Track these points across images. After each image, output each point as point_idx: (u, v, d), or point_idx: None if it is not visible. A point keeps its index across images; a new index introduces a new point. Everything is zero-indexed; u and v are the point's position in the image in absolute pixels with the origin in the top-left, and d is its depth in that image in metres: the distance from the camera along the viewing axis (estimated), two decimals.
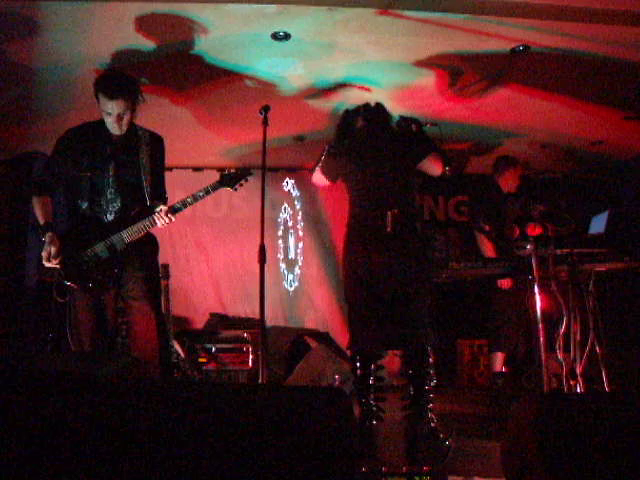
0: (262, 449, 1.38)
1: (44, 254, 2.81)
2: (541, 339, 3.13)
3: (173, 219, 2.94)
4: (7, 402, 1.44)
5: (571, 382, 3.30)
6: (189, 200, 2.98)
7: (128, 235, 2.91)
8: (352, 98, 4.33)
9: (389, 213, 3.06)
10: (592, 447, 1.44)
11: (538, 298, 3.17)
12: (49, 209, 2.93)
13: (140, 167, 2.97)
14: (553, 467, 1.41)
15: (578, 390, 3.26)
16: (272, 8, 3.11)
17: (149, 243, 3.09)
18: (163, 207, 2.93)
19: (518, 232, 3.75)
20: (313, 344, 5.04)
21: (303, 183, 6.30)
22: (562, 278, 3.36)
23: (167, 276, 4.65)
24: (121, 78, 2.88)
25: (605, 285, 3.66)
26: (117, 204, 2.95)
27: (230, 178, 3.08)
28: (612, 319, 3.70)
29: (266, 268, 3.07)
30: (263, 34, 3.40)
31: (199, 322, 5.76)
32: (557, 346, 3.33)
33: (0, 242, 5.21)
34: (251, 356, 5.00)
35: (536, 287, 3.17)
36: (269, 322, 5.62)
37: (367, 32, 3.39)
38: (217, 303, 5.92)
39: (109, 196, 2.94)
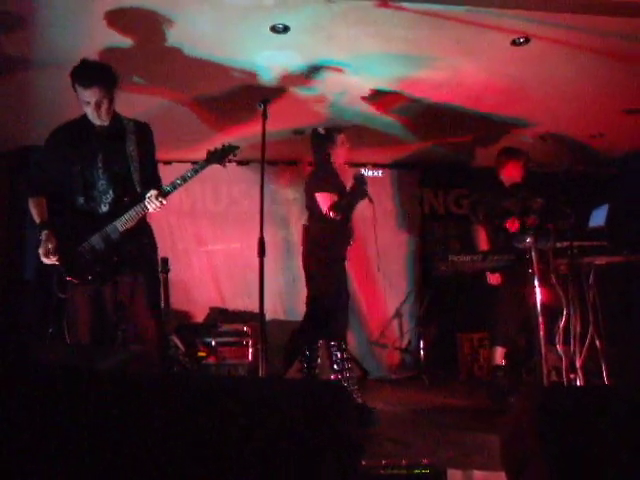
0: (262, 442, 1.38)
1: (41, 251, 2.83)
2: (541, 332, 3.13)
3: (164, 202, 2.90)
4: (7, 395, 1.44)
5: (571, 375, 3.31)
6: (178, 182, 2.97)
7: (121, 223, 2.91)
8: (350, 91, 4.33)
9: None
10: (592, 440, 1.44)
11: (538, 291, 3.17)
12: (44, 208, 2.96)
13: (128, 156, 2.98)
14: (553, 460, 1.41)
15: (578, 383, 3.27)
16: (270, 0, 3.10)
17: (149, 244, 3.11)
18: (153, 192, 2.90)
19: (518, 225, 3.75)
20: None
21: (303, 176, 6.29)
22: (562, 271, 3.36)
23: (167, 270, 4.65)
24: (95, 66, 2.89)
25: (605, 278, 3.65)
26: (110, 195, 2.95)
27: (217, 154, 3.12)
28: (612, 312, 3.70)
29: (265, 262, 3.07)
30: (262, 27, 3.38)
31: (199, 316, 5.76)
32: (557, 339, 3.34)
33: None
34: (251, 350, 5.01)
35: (536, 280, 3.18)
36: (269, 316, 5.62)
37: (366, 24, 3.37)
38: (217, 297, 5.93)
39: (101, 188, 2.95)
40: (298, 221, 6.28)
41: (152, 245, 3.13)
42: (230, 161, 3.17)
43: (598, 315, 3.44)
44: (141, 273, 2.98)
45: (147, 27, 3.35)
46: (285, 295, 6.04)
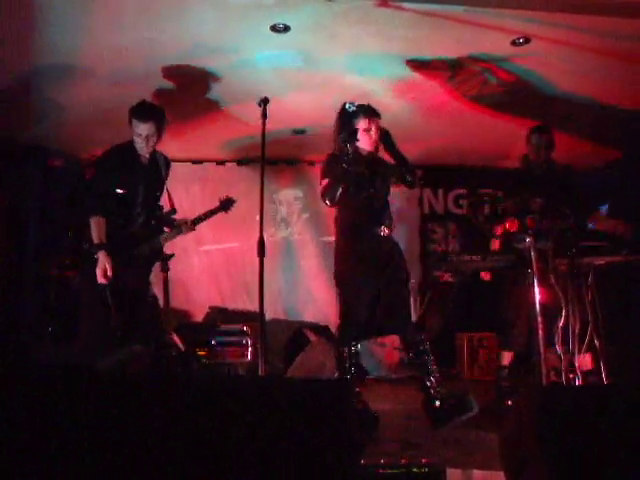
0: (262, 440, 1.38)
1: (99, 272, 3.21)
2: (540, 332, 3.13)
3: (193, 229, 3.70)
4: (8, 392, 1.44)
5: (570, 375, 3.31)
6: (203, 216, 3.74)
7: (163, 239, 3.58)
8: (351, 91, 4.32)
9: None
10: (591, 439, 1.44)
11: (537, 291, 3.17)
12: (102, 229, 3.32)
13: (162, 186, 3.58)
14: (552, 459, 1.41)
15: (577, 383, 3.27)
16: (271, 0, 3.10)
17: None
18: (188, 220, 3.64)
19: (517, 225, 3.74)
20: (312, 337, 5.04)
21: (302, 176, 6.30)
22: (561, 271, 3.36)
23: (166, 269, 4.64)
24: (152, 106, 3.42)
25: (604, 278, 3.65)
26: (142, 218, 3.49)
27: (226, 204, 3.89)
28: (611, 312, 3.69)
29: (265, 261, 3.07)
30: (262, 26, 3.38)
31: (198, 315, 5.76)
32: (556, 339, 3.34)
33: None
34: (250, 349, 5.00)
35: (535, 280, 3.17)
36: (268, 315, 5.61)
37: (366, 24, 3.38)
38: (216, 296, 5.93)
39: (136, 211, 3.46)
40: (298, 221, 6.28)
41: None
42: (231, 210, 3.95)
43: (597, 315, 3.44)
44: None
45: (147, 26, 3.36)
46: (284, 295, 6.05)
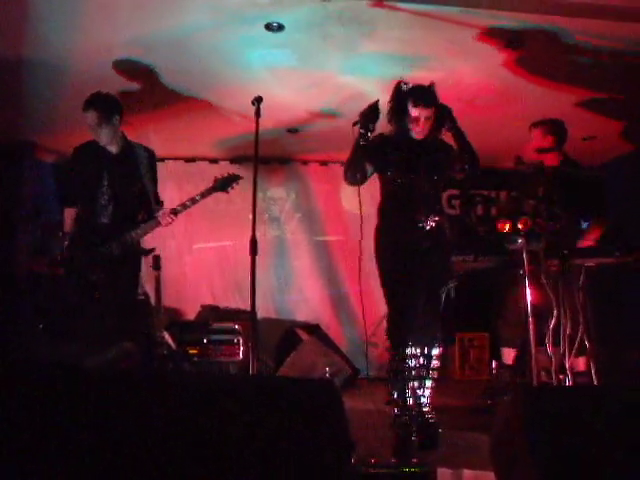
0: (252, 440, 1.38)
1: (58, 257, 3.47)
2: (531, 333, 3.14)
3: (175, 218, 3.45)
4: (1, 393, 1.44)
5: (560, 376, 3.33)
6: (188, 203, 3.48)
7: (137, 234, 3.44)
8: (344, 91, 4.33)
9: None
10: (580, 440, 1.45)
11: (528, 292, 3.18)
12: (71, 220, 3.46)
13: (137, 178, 3.44)
14: (541, 460, 1.42)
15: (567, 384, 3.28)
16: None
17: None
18: (166, 209, 3.44)
19: (509, 226, 3.75)
20: (304, 336, 5.05)
21: (295, 175, 6.29)
22: (553, 272, 3.37)
23: (158, 267, 4.63)
24: (97, 94, 3.34)
25: (595, 279, 3.67)
26: (110, 209, 3.39)
27: (223, 182, 3.60)
28: (602, 313, 3.71)
29: (257, 260, 3.06)
30: (256, 25, 3.37)
31: (190, 313, 5.74)
32: (547, 340, 3.35)
33: None
34: (242, 348, 5.00)
35: (527, 281, 3.19)
36: (260, 314, 5.60)
37: (360, 24, 3.38)
38: (208, 294, 5.91)
39: (103, 202, 3.37)
40: (291, 220, 6.28)
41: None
42: (233, 188, 3.64)
43: (588, 316, 3.45)
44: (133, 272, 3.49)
45: (141, 24, 3.34)
46: (277, 293, 6.04)
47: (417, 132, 3.07)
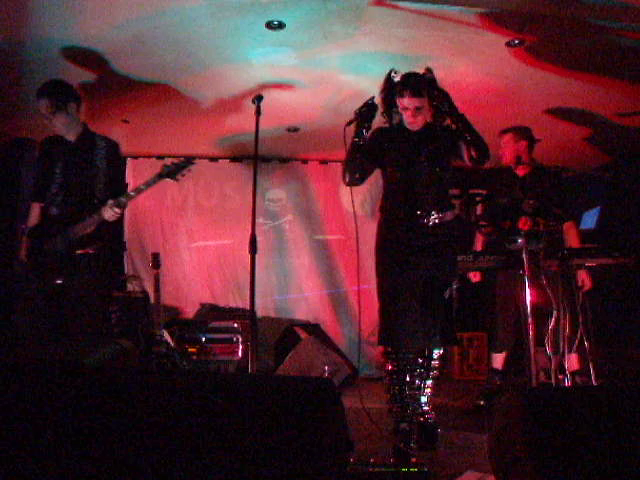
0: (250, 438, 1.37)
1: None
2: (530, 334, 3.14)
3: (118, 211, 3.14)
4: None
5: (559, 376, 3.33)
6: (132, 194, 3.20)
7: (80, 228, 3.17)
8: (345, 89, 4.33)
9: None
10: (578, 440, 1.45)
11: (528, 292, 3.18)
12: (32, 216, 3.29)
13: (93, 168, 3.24)
14: (540, 459, 1.42)
15: (566, 384, 3.28)
16: None
17: (103, 248, 3.31)
18: (110, 201, 3.13)
19: (509, 226, 3.75)
20: (303, 335, 5.05)
21: (295, 173, 6.29)
22: (552, 272, 3.37)
23: (157, 265, 4.64)
24: (49, 82, 3.23)
25: (595, 280, 3.67)
26: (59, 199, 3.22)
27: (170, 170, 3.27)
28: (601, 314, 3.72)
29: (257, 258, 3.06)
30: (257, 23, 3.37)
31: (189, 312, 5.75)
32: (546, 340, 3.35)
33: None
34: (241, 346, 5.00)
35: (526, 281, 3.18)
36: (259, 313, 5.62)
37: (362, 23, 3.37)
38: (207, 293, 5.92)
39: (53, 190, 3.21)
40: (291, 218, 6.27)
41: (106, 251, 3.29)
42: (184, 175, 3.30)
43: (587, 317, 3.45)
44: (91, 275, 3.19)
45: (141, 20, 3.33)
46: (276, 292, 6.05)
47: (410, 123, 2.96)
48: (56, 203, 3.21)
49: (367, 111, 2.91)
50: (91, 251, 3.16)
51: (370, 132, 2.98)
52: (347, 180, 3.03)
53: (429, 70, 2.93)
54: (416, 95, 2.86)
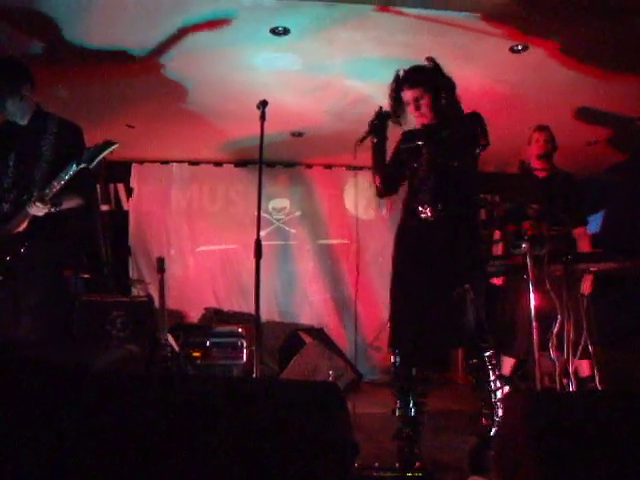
0: (255, 443, 1.38)
1: None
2: (535, 338, 3.14)
3: (41, 206, 2.72)
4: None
5: (564, 381, 3.32)
6: (54, 183, 2.75)
7: (10, 227, 2.80)
8: (349, 94, 4.34)
9: None
10: (583, 444, 1.45)
11: (532, 297, 3.17)
12: None
13: (38, 155, 2.85)
14: (545, 464, 1.42)
15: (571, 389, 3.27)
16: (271, 2, 3.11)
17: (45, 248, 2.89)
18: (35, 194, 2.74)
19: (513, 231, 3.75)
20: (307, 340, 5.05)
21: (300, 178, 6.31)
22: (556, 277, 3.37)
23: (162, 270, 4.65)
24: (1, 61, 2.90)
25: (599, 284, 3.67)
26: (12, 194, 2.85)
27: (90, 154, 2.79)
28: (605, 318, 3.71)
29: (261, 263, 3.07)
30: (262, 29, 3.39)
31: (194, 316, 5.76)
32: (550, 345, 3.34)
33: None
34: (245, 351, 5.00)
35: (531, 286, 3.18)
36: (264, 317, 5.62)
37: (366, 28, 3.39)
38: (212, 297, 5.93)
39: (5, 185, 2.86)
40: (295, 223, 6.29)
41: (49, 249, 2.88)
42: (106, 158, 2.91)
43: (592, 321, 3.45)
44: (32, 276, 2.81)
45: (148, 26, 3.36)
46: (280, 297, 6.06)
47: (416, 117, 2.81)
48: (11, 197, 2.84)
49: (379, 122, 2.81)
50: (22, 250, 2.77)
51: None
52: (383, 191, 2.92)
53: (430, 60, 2.84)
54: (413, 86, 2.76)
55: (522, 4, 3.11)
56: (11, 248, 2.78)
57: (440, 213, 2.68)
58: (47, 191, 2.72)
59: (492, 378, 2.71)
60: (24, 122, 2.90)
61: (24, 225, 2.77)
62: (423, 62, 2.87)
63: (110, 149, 2.81)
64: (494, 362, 2.74)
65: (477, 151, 2.78)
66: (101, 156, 2.78)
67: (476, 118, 2.75)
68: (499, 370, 2.81)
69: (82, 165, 2.75)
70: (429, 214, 2.69)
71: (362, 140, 2.82)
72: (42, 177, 2.81)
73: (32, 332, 2.72)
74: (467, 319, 2.67)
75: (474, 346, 2.73)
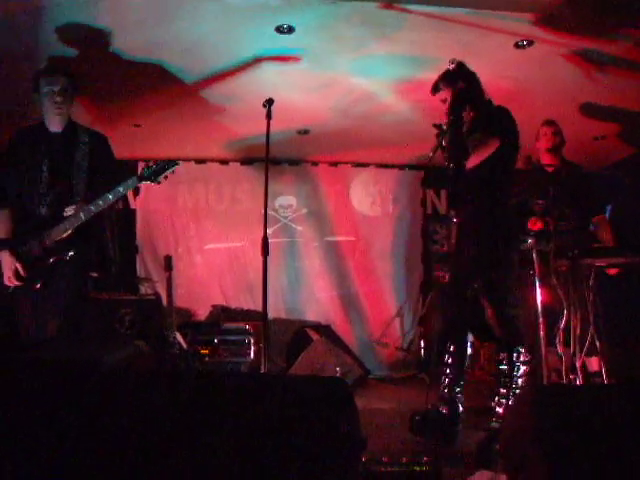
0: (264, 438, 1.39)
1: (5, 274, 2.82)
2: (542, 333, 3.14)
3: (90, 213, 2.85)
4: (13, 389, 1.46)
5: (570, 376, 3.32)
6: (110, 196, 2.85)
7: (57, 232, 2.87)
8: (355, 92, 4.34)
9: None
10: (590, 438, 1.46)
11: (539, 292, 3.18)
12: (4, 223, 2.97)
13: (75, 165, 2.96)
14: (551, 459, 1.43)
15: (578, 384, 3.28)
16: (276, 1, 3.12)
17: (82, 252, 2.98)
18: (78, 204, 2.87)
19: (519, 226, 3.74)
20: (315, 336, 5.06)
21: (306, 176, 6.32)
22: (562, 272, 3.37)
23: (170, 268, 4.68)
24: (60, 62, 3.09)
25: (606, 279, 3.66)
26: (48, 198, 2.93)
27: (152, 172, 2.94)
28: (612, 313, 3.70)
29: (268, 260, 3.09)
30: (266, 27, 3.40)
31: (201, 314, 5.79)
32: (557, 340, 3.34)
33: None
34: (253, 348, 5.02)
35: (537, 281, 3.18)
36: (271, 314, 5.64)
37: (370, 26, 3.39)
38: (219, 295, 5.95)
39: (41, 191, 2.92)
40: (301, 220, 6.30)
41: (84, 254, 2.98)
42: (167, 178, 2.97)
43: (598, 316, 3.45)
44: (63, 283, 2.89)
45: (151, 26, 3.37)
46: (287, 294, 6.07)
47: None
48: (46, 204, 2.90)
49: (440, 137, 2.82)
50: (66, 258, 2.87)
51: None
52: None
53: (452, 62, 2.95)
54: (434, 91, 2.91)
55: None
56: (54, 254, 2.87)
57: (466, 214, 2.94)
58: (100, 201, 2.83)
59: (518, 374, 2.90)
60: (58, 129, 2.98)
61: (69, 232, 2.85)
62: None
63: (173, 168, 2.97)
64: (522, 359, 2.93)
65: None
66: (166, 173, 2.94)
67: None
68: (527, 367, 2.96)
69: (144, 182, 2.91)
70: (458, 216, 3.02)
71: (434, 152, 2.86)
72: (82, 186, 2.93)
73: (58, 333, 2.78)
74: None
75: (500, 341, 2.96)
